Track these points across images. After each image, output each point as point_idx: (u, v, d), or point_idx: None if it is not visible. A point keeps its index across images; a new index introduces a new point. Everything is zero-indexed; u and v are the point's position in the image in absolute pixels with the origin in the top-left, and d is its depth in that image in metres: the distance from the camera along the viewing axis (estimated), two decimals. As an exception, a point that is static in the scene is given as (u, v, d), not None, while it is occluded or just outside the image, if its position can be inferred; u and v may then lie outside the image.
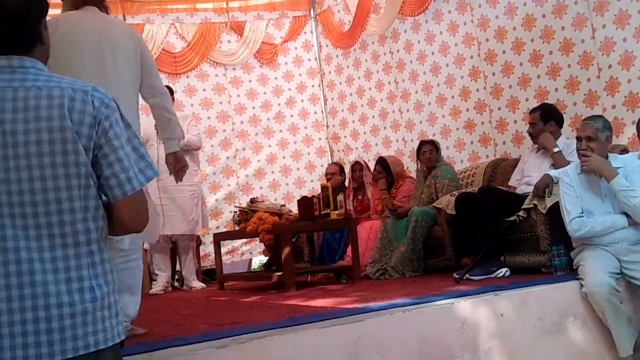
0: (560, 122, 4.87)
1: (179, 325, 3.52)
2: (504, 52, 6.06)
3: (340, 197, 5.39)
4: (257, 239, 6.63)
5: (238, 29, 8.10)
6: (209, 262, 7.52)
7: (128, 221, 1.60)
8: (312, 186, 8.11)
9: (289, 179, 8.21)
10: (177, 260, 6.65)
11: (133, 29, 3.51)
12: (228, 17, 8.05)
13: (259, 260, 8.75)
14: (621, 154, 4.29)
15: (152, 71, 3.34)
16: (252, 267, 8.71)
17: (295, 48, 8.37)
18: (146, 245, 6.43)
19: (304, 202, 5.36)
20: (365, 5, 7.46)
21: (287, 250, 4.99)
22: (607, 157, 3.77)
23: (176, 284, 6.67)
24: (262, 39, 8.15)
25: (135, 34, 3.39)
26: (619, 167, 3.71)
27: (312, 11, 8.41)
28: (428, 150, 5.67)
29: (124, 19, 7.64)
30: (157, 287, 6.21)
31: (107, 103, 1.55)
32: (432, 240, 5.29)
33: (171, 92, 6.36)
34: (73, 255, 1.50)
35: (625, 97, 5.11)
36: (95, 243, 1.54)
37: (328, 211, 5.30)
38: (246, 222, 5.57)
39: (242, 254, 7.98)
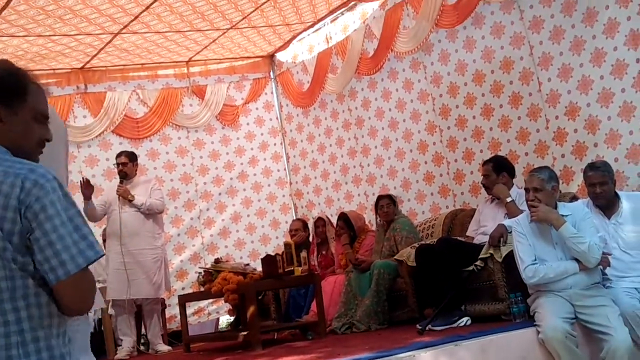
0: (512, 172, 5.06)
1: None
2: (457, 106, 6.30)
3: (303, 254, 5.47)
4: (223, 299, 6.65)
5: (199, 92, 8.26)
6: (175, 324, 7.46)
7: (68, 303, 1.56)
8: (278, 243, 8.16)
9: (254, 236, 8.26)
10: (142, 324, 6.60)
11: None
12: (189, 81, 8.21)
13: (226, 319, 8.69)
14: (571, 201, 4.47)
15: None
16: (219, 327, 8.65)
17: (257, 108, 8.55)
18: (110, 310, 6.39)
19: (268, 260, 5.42)
20: (323, 65, 7.70)
21: (252, 309, 5.02)
22: (555, 206, 3.93)
23: (142, 347, 6.60)
24: (223, 101, 8.32)
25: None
26: (567, 215, 3.87)
27: (271, 73, 8.63)
28: (385, 204, 5.82)
29: (86, 87, 7.76)
30: (122, 353, 6.13)
31: (42, 184, 1.54)
32: (396, 292, 5.37)
33: (135, 157, 6.43)
34: (2, 334, 1.49)
35: (572, 146, 5.34)
36: (27, 321, 1.51)
37: (292, 268, 5.37)
38: (211, 283, 5.60)
39: (209, 313, 7.94)
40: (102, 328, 6.76)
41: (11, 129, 1.66)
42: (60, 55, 7.28)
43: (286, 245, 5.50)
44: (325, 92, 7.79)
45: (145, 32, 7.05)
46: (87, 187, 6.01)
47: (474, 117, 6.14)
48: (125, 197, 6.06)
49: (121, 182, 6.19)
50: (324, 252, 6.51)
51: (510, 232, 4.27)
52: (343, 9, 7.36)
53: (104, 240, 7.09)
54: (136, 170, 6.43)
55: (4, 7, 5.74)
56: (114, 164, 6.38)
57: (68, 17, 6.28)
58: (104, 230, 7.02)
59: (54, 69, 7.62)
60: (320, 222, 6.57)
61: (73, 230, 1.54)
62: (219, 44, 7.82)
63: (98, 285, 6.81)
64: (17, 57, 7.01)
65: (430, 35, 6.37)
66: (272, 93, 8.66)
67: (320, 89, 7.81)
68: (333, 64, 7.62)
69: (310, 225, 6.91)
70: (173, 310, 7.44)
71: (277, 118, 8.61)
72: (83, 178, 6.13)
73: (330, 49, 7.63)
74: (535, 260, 3.88)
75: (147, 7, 6.34)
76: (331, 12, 7.43)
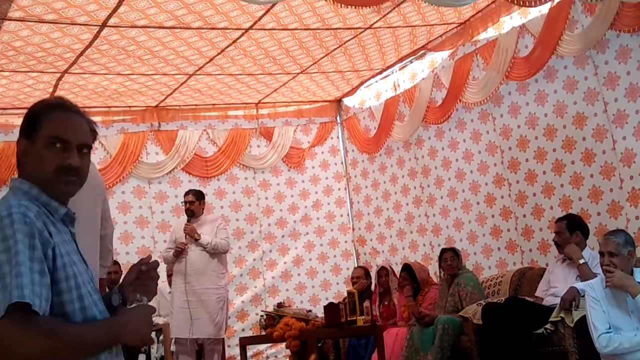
0: (586, 232, 4.92)
1: None
2: (527, 160, 6.19)
3: (366, 304, 5.42)
4: (283, 343, 6.63)
5: (267, 134, 8.39)
6: (233, 365, 7.48)
7: None
8: (338, 289, 8.12)
9: (315, 281, 8.24)
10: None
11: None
12: (258, 123, 8.37)
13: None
14: (647, 266, 4.30)
15: (107, 206, 3.73)
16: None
17: (322, 152, 8.62)
18: (173, 347, 6.45)
19: (331, 308, 5.39)
20: (390, 112, 7.72)
21: (313, 356, 5.00)
22: (632, 272, 3.79)
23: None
24: (290, 144, 8.42)
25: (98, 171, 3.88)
26: (644, 282, 3.72)
27: (338, 117, 8.71)
28: (449, 257, 5.74)
29: (159, 125, 8.00)
30: (181, 391, 6.17)
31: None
32: (460, 350, 5.24)
33: (202, 195, 6.55)
34: None
35: (648, 207, 5.17)
36: None
37: (354, 317, 5.32)
38: (273, 327, 5.60)
39: (267, 357, 7.92)
40: (163, 365, 6.82)
41: (28, 161, 1.69)
42: (137, 93, 7.53)
43: (349, 293, 5.47)
44: (391, 139, 7.79)
45: (218, 74, 7.24)
46: (180, 248, 6.14)
47: (544, 172, 6.02)
48: (192, 236, 6.16)
49: (188, 220, 6.29)
50: (386, 303, 6.43)
51: (583, 296, 4.13)
52: (412, 58, 7.39)
53: (169, 276, 7.23)
54: (203, 208, 6.54)
55: (88, 46, 6.01)
56: (182, 202, 6.51)
57: (147, 58, 6.50)
58: (168, 267, 7.15)
59: (130, 107, 7.90)
60: (384, 271, 6.51)
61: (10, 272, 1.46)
62: (288, 88, 7.96)
63: (160, 320, 6.93)
64: (97, 93, 7.31)
65: (500, 87, 6.32)
66: (338, 138, 8.72)
67: (386, 135, 7.82)
68: (400, 112, 7.63)
69: (373, 273, 6.85)
70: (232, 351, 7.47)
71: (342, 163, 8.65)
72: (183, 243, 6.23)
73: (397, 97, 7.66)
74: (610, 328, 3.73)
75: (222, 50, 6.52)
76: (400, 60, 7.47)
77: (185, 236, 6.20)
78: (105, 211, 3.59)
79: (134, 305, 1.75)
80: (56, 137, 1.66)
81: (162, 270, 7.13)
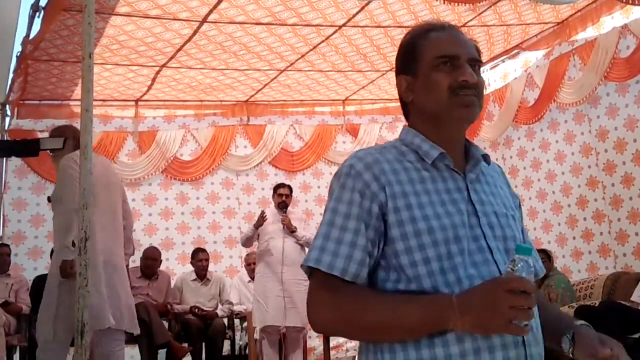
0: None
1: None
2: (624, 163, 6.03)
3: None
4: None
5: (353, 131, 8.47)
6: (313, 357, 7.58)
7: None
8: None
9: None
10: (283, 352, 6.76)
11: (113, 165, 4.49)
12: (344, 119, 8.45)
13: (361, 358, 8.70)
14: None
15: (125, 197, 4.35)
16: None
17: (407, 150, 8.60)
18: (257, 335, 6.61)
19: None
20: (479, 112, 7.64)
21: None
22: None
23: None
24: (375, 141, 8.47)
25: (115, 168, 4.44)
26: None
27: (424, 116, 8.67)
28: (540, 259, 5.63)
29: (248, 119, 8.20)
30: (265, 378, 6.32)
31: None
32: (551, 351, 5.15)
33: (290, 190, 6.69)
34: None
35: None
36: None
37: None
38: (357, 320, 5.65)
39: (347, 350, 7.98)
40: (247, 352, 6.99)
41: (414, 97, 1.48)
42: (229, 88, 7.75)
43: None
44: (479, 139, 7.71)
45: (308, 70, 7.37)
46: (262, 219, 6.31)
47: (642, 175, 5.86)
48: (290, 228, 6.30)
49: (284, 212, 6.43)
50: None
51: (685, 303, 4.01)
52: (504, 57, 7.31)
53: (248, 265, 7.41)
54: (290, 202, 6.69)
55: (187, 41, 6.23)
56: (277, 194, 6.58)
57: (241, 53, 6.69)
58: (247, 255, 7.32)
59: (221, 101, 8.13)
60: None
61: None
62: (376, 85, 8.01)
63: (242, 308, 7.09)
64: (191, 87, 7.58)
65: (597, 88, 6.18)
66: (424, 136, 8.69)
67: (474, 134, 7.74)
68: (489, 111, 7.56)
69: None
70: (312, 342, 7.58)
71: (427, 161, 8.62)
72: (263, 211, 6.40)
73: (487, 96, 7.58)
74: None
75: (315, 47, 6.63)
76: (492, 59, 7.39)
77: (283, 227, 6.33)
78: (125, 203, 4.32)
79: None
80: (442, 56, 1.43)
81: (234, 257, 7.32)
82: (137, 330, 4.36)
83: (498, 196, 1.48)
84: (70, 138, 4.19)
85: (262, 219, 6.26)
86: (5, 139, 7.10)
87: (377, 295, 1.36)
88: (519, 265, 1.22)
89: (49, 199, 4.42)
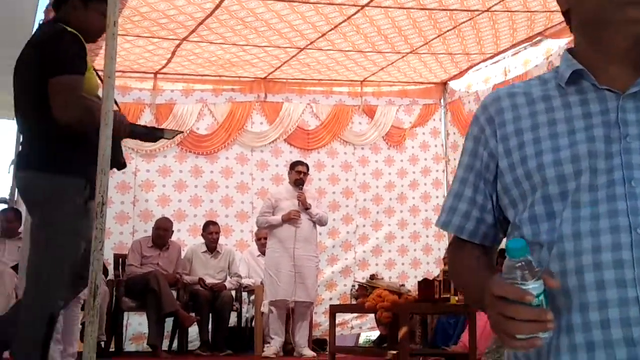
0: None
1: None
2: None
3: (460, 284, 5.45)
4: (370, 315, 6.76)
5: (370, 112, 8.49)
6: (319, 332, 7.68)
7: None
8: (428, 268, 8.17)
9: (405, 259, 8.32)
10: (290, 326, 6.85)
11: None
12: (361, 100, 8.47)
13: (366, 336, 8.80)
14: None
15: None
16: (358, 342, 8.77)
17: (423, 133, 8.63)
18: (264, 309, 6.70)
19: (425, 284, 5.45)
20: (497, 98, 7.63)
21: (404, 329, 5.07)
22: None
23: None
24: (391, 123, 8.49)
25: None
26: None
27: (442, 100, 8.68)
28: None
29: (265, 96, 8.24)
30: (270, 350, 6.42)
31: None
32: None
33: (307, 168, 6.75)
34: None
35: None
36: None
37: (448, 296, 5.37)
38: (365, 298, 5.71)
39: (352, 327, 8.09)
40: (253, 325, 7.10)
41: (571, 2, 1.23)
42: (248, 64, 7.78)
43: (445, 272, 5.51)
44: (495, 125, 7.69)
45: (328, 50, 7.38)
46: (294, 216, 6.35)
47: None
48: (305, 204, 6.37)
49: (300, 189, 6.50)
50: (478, 286, 6.44)
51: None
52: (527, 44, 7.27)
53: (259, 239, 7.49)
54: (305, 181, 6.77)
55: (209, 15, 6.26)
56: (298, 172, 6.62)
57: (262, 30, 6.71)
58: (258, 230, 7.37)
59: (239, 77, 8.17)
60: (478, 254, 6.51)
61: None
62: (395, 67, 8.00)
63: (250, 282, 7.20)
64: (210, 62, 7.61)
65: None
66: (440, 120, 8.71)
67: (491, 121, 7.73)
68: (508, 98, 7.53)
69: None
70: (318, 317, 7.68)
71: (442, 145, 8.64)
72: (298, 212, 6.42)
73: (507, 82, 7.55)
74: None
75: (336, 26, 6.64)
76: (514, 46, 7.36)
77: (299, 203, 6.40)
78: None
79: None
80: None
81: (245, 231, 7.40)
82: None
83: None
84: None
85: (294, 216, 6.32)
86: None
87: (463, 263, 1.27)
88: (516, 274, 1.01)
89: None
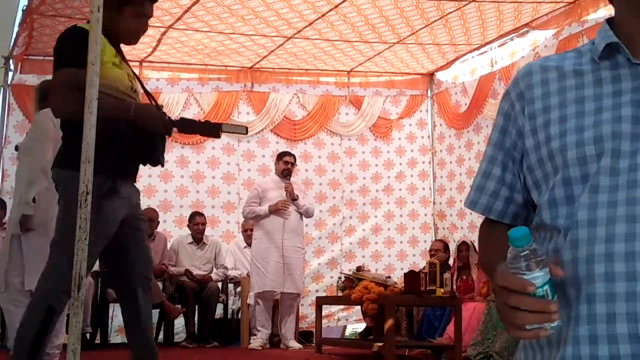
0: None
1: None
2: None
3: (447, 275, 5.46)
4: (356, 307, 6.76)
5: (356, 102, 8.45)
6: (305, 324, 7.66)
7: None
8: (414, 260, 8.17)
9: (392, 250, 8.32)
10: (276, 318, 6.83)
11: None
12: (348, 91, 8.43)
13: (352, 328, 8.80)
14: None
15: None
16: (345, 334, 8.77)
17: (410, 125, 8.61)
18: (250, 300, 6.67)
19: (411, 276, 5.46)
20: (484, 89, 7.63)
21: (390, 322, 5.07)
22: None
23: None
24: (378, 114, 8.46)
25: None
26: None
27: (429, 91, 8.67)
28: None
29: (252, 86, 8.17)
30: (256, 343, 6.39)
31: None
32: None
33: (295, 159, 6.71)
34: None
35: None
36: None
37: (434, 288, 5.37)
38: (351, 289, 5.71)
39: (338, 319, 8.08)
40: (239, 316, 7.07)
41: None
42: (235, 53, 7.71)
43: (431, 264, 5.51)
44: (482, 117, 7.70)
45: (315, 39, 7.33)
46: (281, 206, 6.30)
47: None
48: (292, 195, 6.34)
49: (288, 179, 6.46)
50: (464, 277, 6.45)
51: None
52: (513, 35, 7.26)
53: (245, 231, 7.44)
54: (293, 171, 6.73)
55: (195, 2, 6.19)
56: (285, 162, 6.57)
57: (249, 18, 6.65)
58: (244, 221, 7.32)
59: (226, 66, 8.09)
60: (464, 246, 6.51)
61: None
62: (382, 57, 7.97)
63: (237, 273, 7.15)
64: (196, 50, 7.54)
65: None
66: (427, 111, 8.69)
67: (478, 112, 7.74)
68: (495, 89, 7.53)
69: (453, 247, 6.87)
70: (304, 310, 7.67)
71: (428, 136, 8.63)
72: (286, 202, 6.37)
73: (493, 74, 7.55)
74: None
75: (323, 15, 6.59)
76: (500, 37, 7.35)
77: (286, 194, 6.36)
78: None
79: None
80: None
81: (231, 222, 7.34)
82: None
83: None
84: None
85: (282, 206, 6.28)
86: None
87: (490, 246, 1.21)
88: (520, 263, 0.98)
89: (16, 148, 4.40)
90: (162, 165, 3.14)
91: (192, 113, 7.99)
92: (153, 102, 3.09)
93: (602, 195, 1.04)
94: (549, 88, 1.15)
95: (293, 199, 6.34)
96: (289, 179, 6.45)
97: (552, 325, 0.98)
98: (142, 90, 3.17)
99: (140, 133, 2.91)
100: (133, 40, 3.14)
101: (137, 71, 7.62)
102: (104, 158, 2.78)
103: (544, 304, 0.97)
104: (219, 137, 3.29)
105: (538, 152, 1.13)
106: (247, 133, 3.51)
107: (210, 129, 3.25)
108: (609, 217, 1.03)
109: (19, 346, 2.86)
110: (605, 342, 1.01)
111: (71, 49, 2.86)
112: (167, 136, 3.05)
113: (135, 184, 3.11)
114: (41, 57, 7.35)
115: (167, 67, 7.96)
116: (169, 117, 3.04)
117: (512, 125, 1.19)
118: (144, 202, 7.38)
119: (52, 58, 7.59)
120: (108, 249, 3.00)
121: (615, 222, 1.02)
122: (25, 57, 7.29)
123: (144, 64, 7.79)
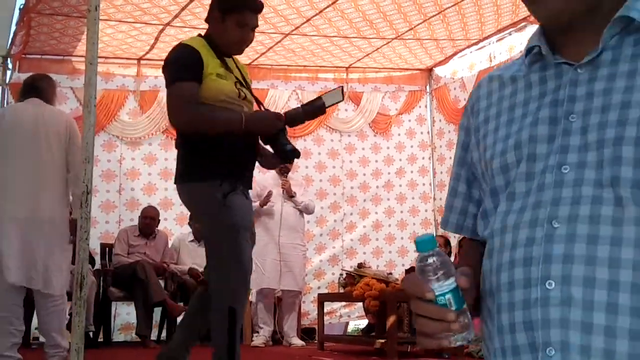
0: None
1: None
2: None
3: (448, 271, 5.45)
4: (358, 303, 6.76)
5: (355, 98, 8.44)
6: (307, 321, 7.66)
7: None
8: (415, 257, 8.13)
9: (393, 247, 8.31)
10: (278, 316, 6.83)
11: (66, 116, 4.42)
12: (347, 87, 8.41)
13: (354, 324, 8.80)
14: None
15: (73, 149, 4.10)
16: (347, 331, 8.77)
17: (409, 120, 8.60)
18: (252, 298, 6.67)
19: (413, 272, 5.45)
20: (483, 84, 7.62)
21: (392, 318, 5.07)
22: None
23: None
24: (377, 110, 8.45)
25: (67, 118, 4.30)
26: None
27: (428, 86, 8.65)
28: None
29: (251, 83, 8.15)
30: (259, 340, 6.39)
31: None
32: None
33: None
34: None
35: None
36: None
37: (436, 284, 5.36)
38: (352, 286, 5.71)
39: (340, 316, 8.08)
40: (241, 313, 7.05)
41: None
42: (233, 50, 7.68)
43: (432, 259, 5.50)
44: (480, 112, 7.68)
45: (313, 35, 7.31)
46: (268, 199, 6.30)
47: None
48: (289, 192, 6.33)
49: (285, 177, 6.45)
50: (466, 272, 6.45)
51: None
52: (512, 30, 7.25)
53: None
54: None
55: (188, 4, 6.19)
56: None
57: (247, 16, 6.62)
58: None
59: (224, 64, 8.06)
60: (465, 241, 6.51)
61: None
62: (381, 53, 7.96)
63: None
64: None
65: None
66: (426, 107, 8.68)
67: (476, 108, 7.72)
68: (494, 84, 7.52)
69: (453, 243, 6.86)
70: (306, 306, 7.66)
71: (428, 132, 8.62)
72: (271, 192, 6.38)
73: (492, 69, 7.49)
74: None
75: (321, 11, 6.58)
76: (498, 32, 7.34)
77: (283, 191, 6.35)
78: (71, 155, 4.11)
79: None
80: None
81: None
82: (52, 291, 4.10)
83: None
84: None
85: (267, 198, 6.28)
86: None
87: (462, 261, 1.16)
88: (427, 270, 0.95)
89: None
90: (298, 156, 3.31)
91: (191, 111, 7.98)
92: (259, 106, 3.35)
93: (516, 202, 1.01)
94: (491, 99, 1.13)
95: (290, 195, 6.34)
96: (286, 176, 6.44)
97: (462, 335, 0.93)
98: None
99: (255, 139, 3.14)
100: (237, 50, 3.27)
101: (135, 69, 7.74)
102: (209, 164, 2.97)
103: (442, 312, 0.93)
104: (324, 112, 3.35)
105: (480, 164, 1.12)
106: (343, 99, 3.45)
107: (314, 110, 3.29)
108: (515, 223, 1.00)
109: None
110: (511, 354, 0.97)
111: (181, 64, 3.01)
112: (286, 127, 3.21)
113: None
114: (39, 56, 7.33)
115: (165, 65, 7.93)
116: (277, 112, 3.28)
117: (469, 139, 1.18)
118: (145, 200, 7.46)
119: (50, 56, 7.59)
120: None
121: (519, 228, 0.99)
122: (23, 55, 7.26)
123: (142, 62, 7.78)
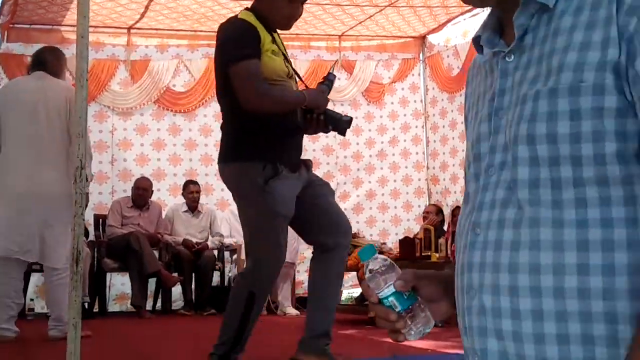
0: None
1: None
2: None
3: (442, 240, 5.50)
4: (352, 272, 6.81)
5: (348, 67, 8.39)
6: (301, 290, 7.71)
7: None
8: (408, 225, 8.21)
9: (386, 216, 8.35)
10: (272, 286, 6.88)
11: (67, 90, 4.27)
12: (339, 55, 8.35)
13: (348, 293, 8.86)
14: None
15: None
16: (341, 300, 8.84)
17: (402, 89, 8.57)
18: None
19: (406, 242, 5.49)
20: (476, 53, 7.57)
21: (386, 287, 5.11)
22: None
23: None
24: (370, 78, 8.40)
25: (68, 92, 4.16)
26: None
27: (421, 54, 8.60)
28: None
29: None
30: (253, 310, 6.43)
31: None
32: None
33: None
34: None
35: None
36: None
37: (429, 253, 5.41)
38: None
39: (333, 285, 8.13)
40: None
41: None
42: (224, 18, 7.45)
43: (426, 229, 5.55)
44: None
45: (306, 3, 7.21)
46: None
47: None
48: None
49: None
50: (458, 241, 6.51)
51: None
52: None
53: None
54: None
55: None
56: None
57: (238, -19, 6.54)
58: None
59: (215, 32, 7.95)
60: (458, 210, 6.54)
61: None
62: (374, 21, 7.88)
63: (232, 241, 7.16)
64: (185, 16, 7.42)
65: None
66: (419, 75, 8.64)
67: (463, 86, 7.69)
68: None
69: (447, 212, 6.89)
70: (300, 276, 7.70)
71: (421, 101, 8.60)
72: None
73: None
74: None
75: (314, -21, 6.49)
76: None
77: None
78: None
79: None
80: None
81: (225, 190, 7.30)
82: (53, 264, 4.10)
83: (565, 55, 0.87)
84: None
85: None
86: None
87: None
88: (373, 276, 1.01)
89: None
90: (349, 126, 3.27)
91: (183, 80, 7.93)
92: (301, 82, 3.39)
93: (469, 204, 0.99)
94: (472, 85, 1.07)
95: None
96: None
97: (417, 329, 1.01)
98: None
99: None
100: (286, 25, 3.29)
101: (125, 39, 7.66)
102: (254, 146, 2.96)
103: (386, 312, 1.00)
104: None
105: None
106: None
107: (329, 85, 3.34)
108: (461, 227, 0.99)
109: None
110: (470, 355, 0.98)
111: (244, 41, 3.00)
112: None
113: (303, 167, 3.20)
114: (27, 25, 7.23)
115: (155, 33, 7.84)
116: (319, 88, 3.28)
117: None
118: (138, 171, 7.44)
119: (38, 26, 7.46)
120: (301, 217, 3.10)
121: (462, 234, 0.99)
122: (11, 25, 7.16)
123: (132, 31, 7.69)
